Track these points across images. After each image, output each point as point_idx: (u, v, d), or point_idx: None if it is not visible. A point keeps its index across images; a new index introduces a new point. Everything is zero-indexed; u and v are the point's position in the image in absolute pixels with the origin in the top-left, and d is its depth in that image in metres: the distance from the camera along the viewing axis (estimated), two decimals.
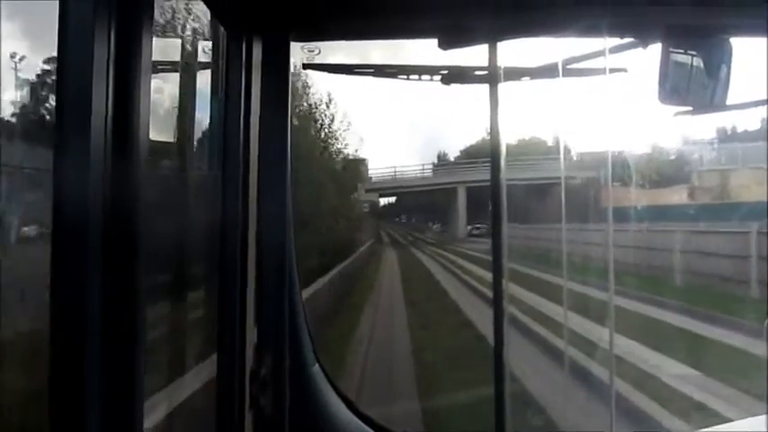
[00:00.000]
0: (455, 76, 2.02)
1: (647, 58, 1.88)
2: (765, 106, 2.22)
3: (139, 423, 1.13)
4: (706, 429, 2.25)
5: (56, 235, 1.02)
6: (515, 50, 1.99)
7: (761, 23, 1.80)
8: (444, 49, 1.89)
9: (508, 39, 1.93)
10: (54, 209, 1.02)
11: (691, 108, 1.93)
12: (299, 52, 1.89)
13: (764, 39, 1.87)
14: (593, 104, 2.31)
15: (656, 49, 1.87)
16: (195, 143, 1.88)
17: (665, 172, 22.95)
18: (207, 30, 1.80)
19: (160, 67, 1.58)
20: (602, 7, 1.84)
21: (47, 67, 2.37)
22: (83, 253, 1.03)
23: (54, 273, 1.01)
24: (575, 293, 8.40)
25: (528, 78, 2.10)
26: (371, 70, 1.99)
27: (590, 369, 6.91)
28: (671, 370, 8.53)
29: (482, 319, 11.15)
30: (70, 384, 1.03)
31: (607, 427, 2.81)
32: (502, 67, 1.95)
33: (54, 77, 1.09)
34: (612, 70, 2.03)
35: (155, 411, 1.61)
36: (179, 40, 1.71)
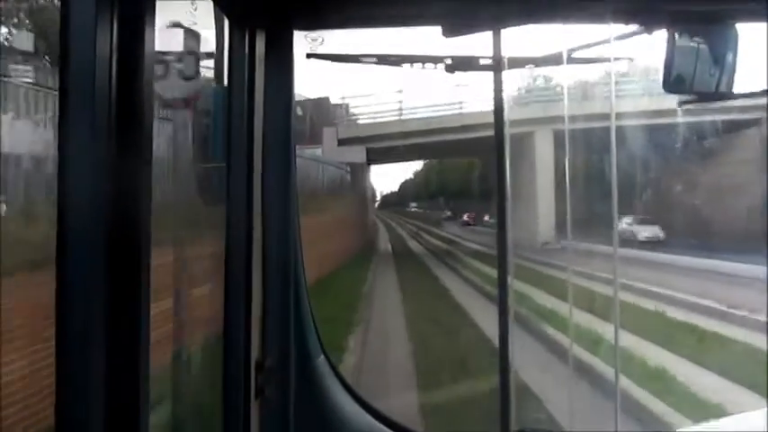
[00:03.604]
0: (459, 64, 2.01)
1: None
2: None
3: (145, 414, 1.14)
4: (705, 424, 2.25)
5: (60, 229, 1.01)
6: (520, 38, 1.98)
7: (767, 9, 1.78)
8: (448, 36, 1.88)
9: (512, 26, 1.92)
10: (58, 202, 1.01)
11: (696, 96, 1.91)
12: (302, 42, 1.87)
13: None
14: None
15: (661, 36, 1.85)
16: (199, 136, 1.88)
17: None
18: (210, 21, 1.79)
19: (164, 59, 1.57)
20: None
21: None
22: (88, 246, 1.03)
23: (59, 272, 1.01)
24: None
25: (532, 66, 2.09)
26: (375, 59, 1.98)
27: None
28: None
29: None
30: (77, 370, 1.03)
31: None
32: (506, 54, 1.94)
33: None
34: (617, 58, 2.02)
35: (162, 402, 1.62)
36: (182, 32, 1.70)
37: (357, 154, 17.98)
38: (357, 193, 20.81)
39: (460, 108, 18.78)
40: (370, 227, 24.08)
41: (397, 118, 18.51)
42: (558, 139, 14.96)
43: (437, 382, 7.98)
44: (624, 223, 22.32)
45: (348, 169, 18.63)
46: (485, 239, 21.52)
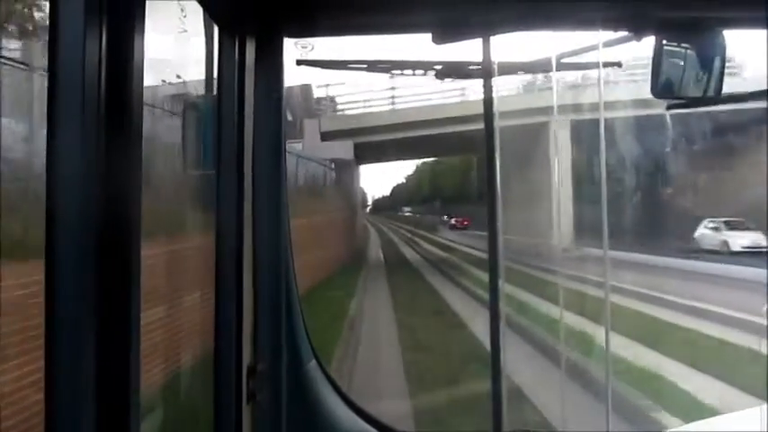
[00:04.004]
0: (449, 70, 2.02)
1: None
2: (764, 99, 2.23)
3: (135, 419, 1.14)
4: (701, 422, 2.26)
5: (50, 233, 1.02)
6: (509, 44, 1.99)
7: (754, 16, 1.80)
8: (438, 43, 1.89)
9: (502, 33, 1.93)
10: (47, 207, 1.02)
11: (684, 101, 1.93)
12: (292, 48, 1.89)
13: (758, 31, 1.87)
14: None
15: (649, 42, 1.87)
16: (189, 142, 1.89)
17: None
18: (200, 28, 1.80)
19: (153, 65, 1.58)
20: (596, 0, 1.84)
21: None
22: (78, 252, 1.03)
23: (48, 276, 1.02)
24: None
25: (522, 72, 2.10)
26: (365, 66, 2.00)
27: None
28: None
29: None
30: (68, 374, 1.03)
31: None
32: (496, 61, 1.96)
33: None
34: (606, 64, 2.04)
35: (154, 407, 1.62)
36: (172, 39, 1.71)
37: (343, 150, 14.77)
38: (343, 195, 17.37)
39: (462, 95, 16.04)
40: (358, 234, 20.82)
41: (389, 107, 15.17)
42: (578, 130, 12.06)
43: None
44: (706, 228, 17.76)
45: (332, 166, 15.29)
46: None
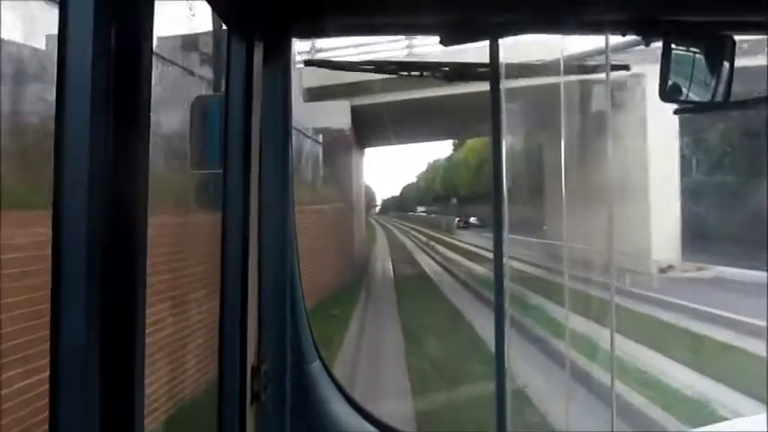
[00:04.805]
0: (456, 72, 2.02)
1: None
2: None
3: (139, 419, 1.14)
4: (706, 428, 2.25)
5: (56, 232, 1.02)
6: (518, 47, 1.99)
7: (764, 20, 1.79)
8: (446, 45, 1.89)
9: (510, 35, 1.93)
10: (54, 205, 1.02)
11: (692, 105, 1.92)
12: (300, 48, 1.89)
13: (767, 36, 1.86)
14: None
15: (657, 45, 1.86)
16: (196, 142, 1.89)
17: None
18: (208, 27, 1.80)
19: (161, 65, 1.58)
20: (604, 4, 1.83)
21: None
22: (84, 250, 1.03)
23: (55, 275, 1.02)
24: None
25: (530, 74, 2.10)
26: (372, 66, 2.00)
27: None
28: None
29: None
30: (71, 375, 1.04)
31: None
32: (504, 63, 1.96)
33: None
34: (614, 67, 2.04)
35: (158, 408, 1.62)
36: (180, 38, 1.71)
37: (336, 113, 11.00)
38: (339, 187, 13.23)
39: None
40: (360, 239, 17.26)
41: (405, 50, 10.76)
42: None
43: None
44: None
45: (320, 140, 11.27)
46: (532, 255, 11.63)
